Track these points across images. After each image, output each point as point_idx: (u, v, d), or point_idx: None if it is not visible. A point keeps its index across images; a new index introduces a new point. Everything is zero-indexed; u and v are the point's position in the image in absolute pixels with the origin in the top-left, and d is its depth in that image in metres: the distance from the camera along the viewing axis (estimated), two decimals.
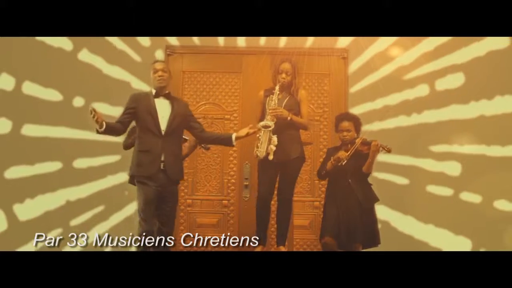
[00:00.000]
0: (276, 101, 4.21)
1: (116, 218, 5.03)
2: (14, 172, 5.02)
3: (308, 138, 5.15)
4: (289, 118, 4.19)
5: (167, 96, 4.07)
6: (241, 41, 5.25)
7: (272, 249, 4.85)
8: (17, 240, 4.94)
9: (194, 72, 5.28)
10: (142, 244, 3.86)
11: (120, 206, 5.02)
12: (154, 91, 4.06)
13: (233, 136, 4.07)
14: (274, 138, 4.12)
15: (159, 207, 3.96)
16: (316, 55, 5.22)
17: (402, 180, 4.99)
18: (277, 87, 4.23)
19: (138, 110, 4.00)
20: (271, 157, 4.05)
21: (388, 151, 4.06)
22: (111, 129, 3.90)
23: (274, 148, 4.05)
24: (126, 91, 5.08)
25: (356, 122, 4.26)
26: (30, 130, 5.07)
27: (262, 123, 4.16)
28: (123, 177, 4.93)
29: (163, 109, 4.02)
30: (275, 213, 4.44)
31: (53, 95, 5.09)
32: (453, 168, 4.95)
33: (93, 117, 3.73)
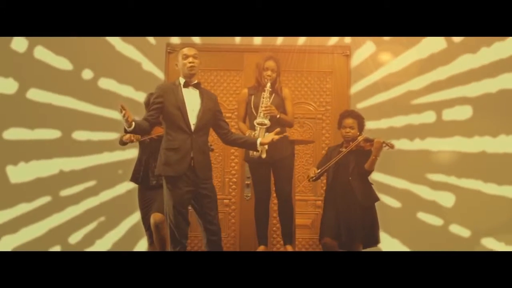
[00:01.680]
0: (269, 98, 4.19)
1: (107, 195, 5.03)
2: (13, 134, 5.03)
3: (310, 137, 5.14)
4: (278, 116, 4.19)
5: (197, 86, 3.76)
6: (242, 39, 5.20)
7: (274, 249, 4.86)
8: (5, 202, 4.97)
9: None
10: (173, 249, 3.68)
11: (112, 184, 5.01)
12: (182, 81, 3.73)
13: (258, 142, 3.82)
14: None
15: (199, 205, 3.74)
16: (318, 52, 5.19)
17: (394, 203, 4.98)
18: (268, 84, 4.20)
19: (165, 105, 3.65)
20: (263, 155, 3.96)
21: (391, 147, 4.01)
22: (139, 128, 3.57)
23: (266, 147, 3.96)
24: (136, 71, 5.12)
25: (360, 120, 4.22)
26: (35, 94, 5.06)
27: (258, 121, 4.12)
28: (119, 155, 4.95)
29: (192, 102, 3.71)
30: (277, 212, 4.43)
31: (63, 63, 5.09)
32: (447, 199, 4.95)
33: (123, 115, 3.43)
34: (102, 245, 4.96)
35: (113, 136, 5.00)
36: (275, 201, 4.43)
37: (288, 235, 4.33)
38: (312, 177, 4.16)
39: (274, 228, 4.80)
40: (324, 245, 4.09)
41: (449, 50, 5.03)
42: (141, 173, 4.27)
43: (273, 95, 4.26)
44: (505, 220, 4.88)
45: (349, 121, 4.18)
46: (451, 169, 4.97)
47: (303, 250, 5.11)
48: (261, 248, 4.29)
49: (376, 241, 4.12)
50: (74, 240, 4.95)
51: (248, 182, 4.86)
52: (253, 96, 4.30)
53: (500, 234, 4.88)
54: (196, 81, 3.77)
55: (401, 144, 4.96)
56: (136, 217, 4.87)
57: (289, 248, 4.31)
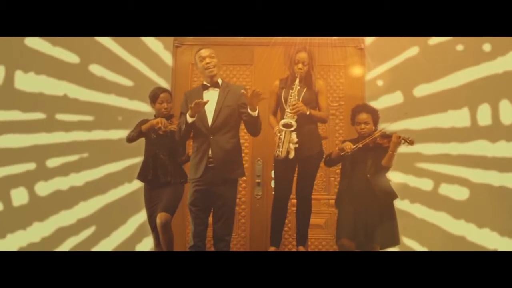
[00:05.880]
0: (296, 96, 4.01)
1: (98, 135, 4.98)
2: (34, 43, 4.99)
3: (323, 133, 4.93)
4: (308, 113, 4.01)
5: (217, 85, 3.86)
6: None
7: (286, 249, 4.76)
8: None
9: None
10: (192, 245, 3.81)
11: (107, 127, 4.97)
12: (202, 84, 3.89)
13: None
14: (293, 136, 3.92)
15: (214, 206, 3.82)
16: (332, 46, 5.01)
17: None
18: (297, 81, 4.01)
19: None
20: (291, 155, 3.88)
21: (411, 143, 3.90)
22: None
23: (293, 147, 3.87)
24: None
25: (375, 114, 4.10)
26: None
27: (283, 121, 3.96)
28: (124, 102, 4.96)
29: (211, 103, 3.79)
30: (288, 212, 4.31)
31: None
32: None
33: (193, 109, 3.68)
34: (75, 179, 4.94)
35: (127, 82, 5.03)
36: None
37: (303, 236, 4.20)
38: (348, 152, 3.96)
39: (286, 228, 4.64)
40: (341, 246, 3.98)
41: (467, 131, 4.99)
42: (151, 170, 4.12)
43: (305, 89, 4.10)
44: None
45: (363, 116, 4.07)
46: (426, 241, 4.92)
47: (316, 250, 4.94)
48: (272, 250, 4.13)
49: (395, 241, 4.00)
50: (52, 164, 4.95)
51: (259, 181, 4.80)
52: (284, 90, 4.13)
53: None
54: (216, 81, 3.84)
55: None
56: (118, 166, 4.92)
57: (301, 249, 4.18)
